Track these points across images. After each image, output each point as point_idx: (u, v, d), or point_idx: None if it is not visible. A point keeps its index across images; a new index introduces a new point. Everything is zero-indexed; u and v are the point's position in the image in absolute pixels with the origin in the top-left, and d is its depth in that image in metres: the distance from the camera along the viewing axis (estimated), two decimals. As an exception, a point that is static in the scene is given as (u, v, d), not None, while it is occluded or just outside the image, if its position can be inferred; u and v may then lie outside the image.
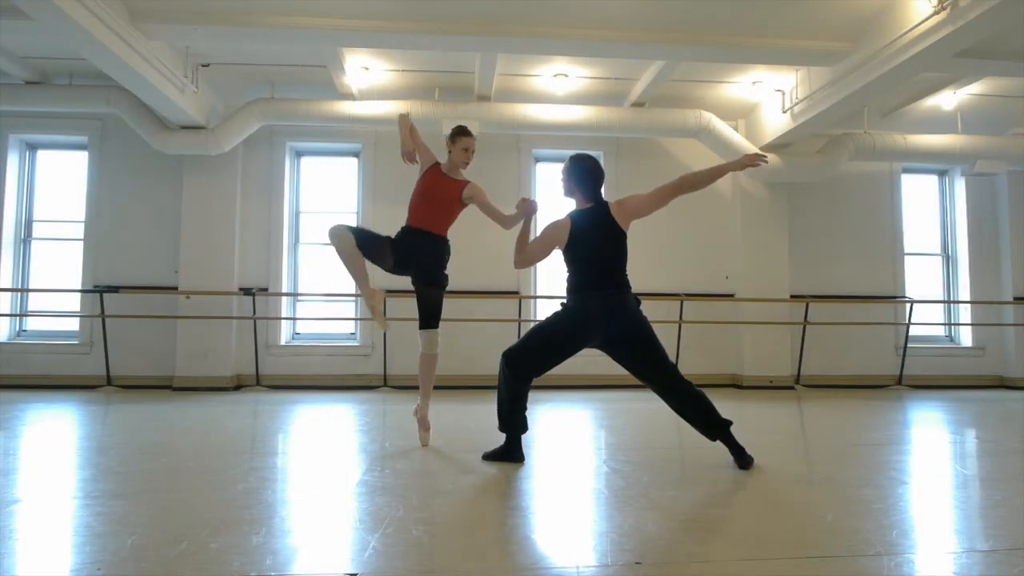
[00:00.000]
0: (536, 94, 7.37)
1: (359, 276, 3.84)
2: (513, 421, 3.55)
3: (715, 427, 3.46)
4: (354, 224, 3.87)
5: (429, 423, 4.03)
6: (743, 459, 3.40)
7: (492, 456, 3.59)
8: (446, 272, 4.03)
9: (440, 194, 3.97)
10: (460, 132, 4.02)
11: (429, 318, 3.97)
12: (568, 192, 3.66)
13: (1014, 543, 2.26)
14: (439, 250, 3.99)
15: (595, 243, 3.49)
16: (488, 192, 4.03)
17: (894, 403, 6.64)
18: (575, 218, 3.57)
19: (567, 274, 3.58)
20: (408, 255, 3.89)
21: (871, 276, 8.31)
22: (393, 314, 7.54)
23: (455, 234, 4.10)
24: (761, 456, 3.50)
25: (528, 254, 3.67)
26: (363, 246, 3.75)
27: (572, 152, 3.77)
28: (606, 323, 3.41)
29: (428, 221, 3.95)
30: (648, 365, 3.48)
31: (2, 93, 6.72)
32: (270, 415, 5.61)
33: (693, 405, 3.46)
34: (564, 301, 3.56)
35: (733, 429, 3.48)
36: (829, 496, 2.91)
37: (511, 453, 3.55)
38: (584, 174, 3.57)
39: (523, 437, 3.60)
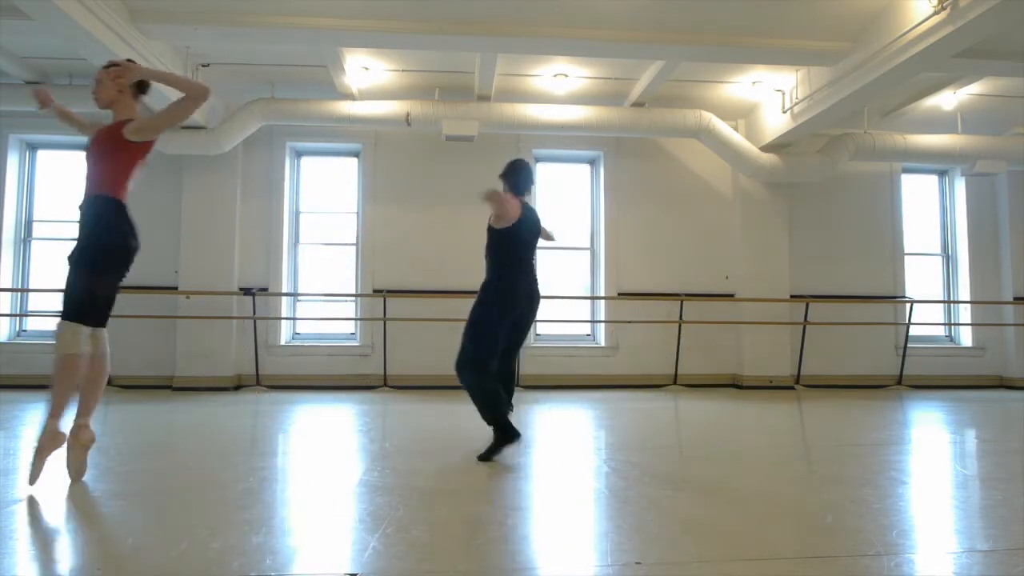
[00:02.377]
0: (536, 94, 7.37)
1: (62, 399, 2.95)
2: (496, 406, 3.63)
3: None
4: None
5: (62, 435, 2.99)
6: (489, 452, 3.60)
7: (490, 453, 3.59)
8: (101, 242, 3.14)
9: (96, 147, 3.27)
10: (104, 65, 3.35)
11: (63, 303, 3.04)
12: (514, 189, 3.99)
13: (1014, 543, 2.26)
14: (94, 212, 3.16)
15: (534, 231, 3.96)
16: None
17: (894, 403, 6.64)
18: (523, 203, 3.91)
19: (495, 251, 3.83)
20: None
21: (871, 276, 8.31)
22: (392, 313, 7.55)
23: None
24: (761, 456, 3.51)
25: (508, 211, 3.84)
26: (94, 311, 3.07)
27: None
28: (528, 300, 3.85)
29: (89, 184, 3.23)
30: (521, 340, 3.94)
31: (2, 93, 6.72)
32: (270, 415, 5.61)
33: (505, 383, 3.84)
34: (491, 278, 3.80)
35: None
36: (829, 496, 2.91)
37: (507, 435, 3.60)
38: (525, 175, 4.00)
39: (522, 436, 3.61)
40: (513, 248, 3.86)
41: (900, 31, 5.16)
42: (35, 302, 7.70)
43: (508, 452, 3.69)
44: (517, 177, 3.97)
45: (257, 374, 7.44)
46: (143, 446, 4.06)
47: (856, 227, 8.35)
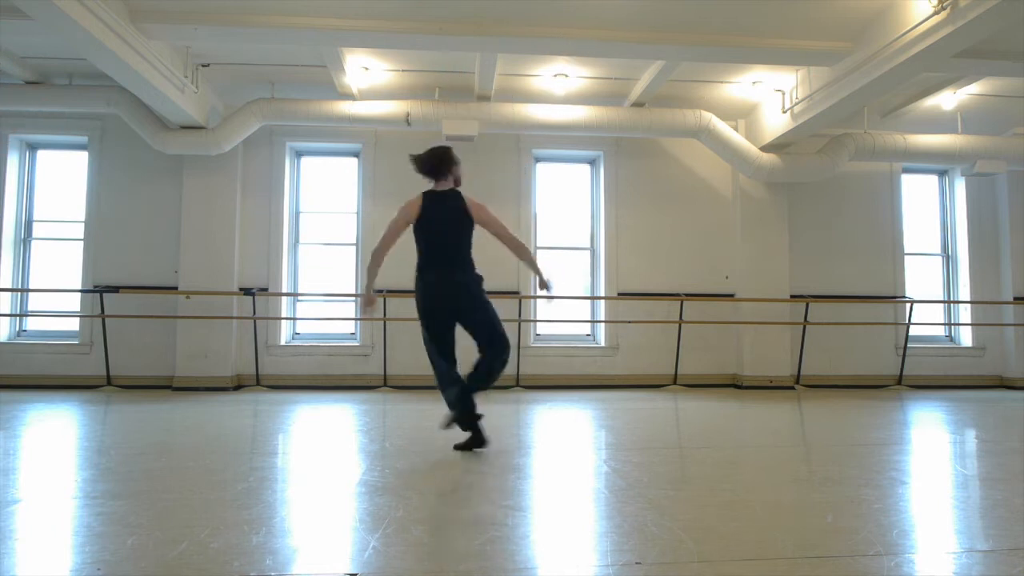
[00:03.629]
0: (536, 94, 7.36)
1: None
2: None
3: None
4: None
5: None
6: (469, 444, 3.74)
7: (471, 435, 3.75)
8: None
9: None
10: None
11: None
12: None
13: (1014, 543, 2.26)
14: None
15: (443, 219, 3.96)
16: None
17: (894, 403, 6.64)
18: (431, 194, 3.93)
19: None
20: None
21: (871, 276, 8.31)
22: (392, 313, 7.55)
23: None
24: (761, 456, 3.51)
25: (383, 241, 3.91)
26: None
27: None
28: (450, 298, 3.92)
29: None
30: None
31: (2, 93, 6.72)
32: (270, 415, 5.61)
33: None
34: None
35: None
36: (829, 496, 2.91)
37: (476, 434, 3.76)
38: (429, 162, 3.99)
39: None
40: (419, 242, 3.93)
41: (900, 31, 5.16)
42: (35, 302, 7.70)
43: (507, 453, 3.69)
44: (426, 166, 4.00)
45: (257, 374, 7.44)
46: (143, 446, 4.05)
47: (856, 227, 8.35)
